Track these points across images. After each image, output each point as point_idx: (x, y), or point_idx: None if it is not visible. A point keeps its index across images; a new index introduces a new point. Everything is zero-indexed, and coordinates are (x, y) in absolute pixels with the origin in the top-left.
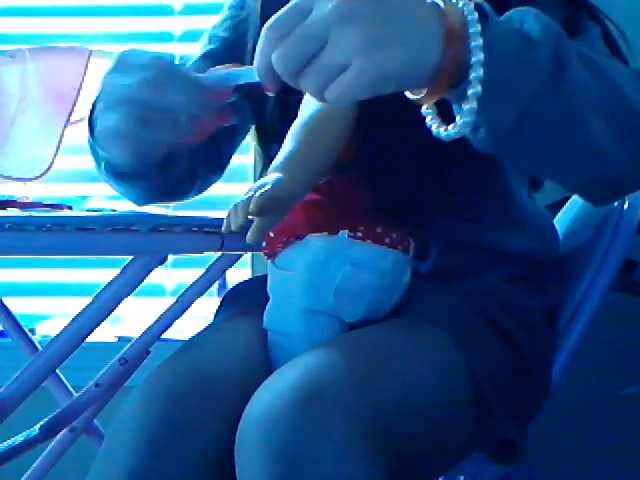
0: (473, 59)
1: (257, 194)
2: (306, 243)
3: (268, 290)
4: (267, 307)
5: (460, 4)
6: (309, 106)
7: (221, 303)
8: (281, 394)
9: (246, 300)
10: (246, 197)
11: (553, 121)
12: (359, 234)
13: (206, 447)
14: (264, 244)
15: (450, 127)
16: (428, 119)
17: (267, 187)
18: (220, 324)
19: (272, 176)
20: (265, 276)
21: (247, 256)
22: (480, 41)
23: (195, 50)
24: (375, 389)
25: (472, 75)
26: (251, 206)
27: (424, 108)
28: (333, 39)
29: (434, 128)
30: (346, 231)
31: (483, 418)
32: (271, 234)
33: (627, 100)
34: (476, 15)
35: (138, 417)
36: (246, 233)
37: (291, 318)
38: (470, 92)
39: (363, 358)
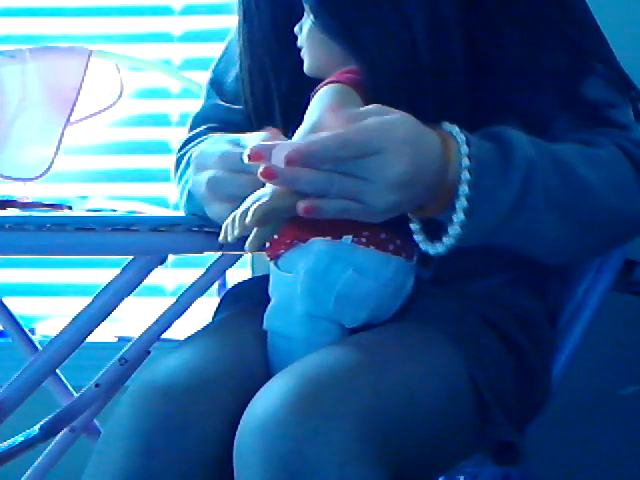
0: (457, 204)
1: (255, 206)
2: (309, 247)
3: (269, 292)
4: (268, 309)
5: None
6: (313, 114)
7: (220, 302)
8: (280, 401)
9: (246, 300)
10: (244, 208)
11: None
12: (363, 239)
13: (203, 446)
14: (267, 245)
15: (439, 243)
16: (416, 236)
17: (265, 199)
18: (219, 323)
19: (271, 187)
20: (265, 276)
21: (247, 256)
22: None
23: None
24: (376, 394)
25: (457, 205)
26: (248, 219)
27: (413, 227)
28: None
29: (422, 244)
30: (350, 236)
31: (483, 422)
32: (274, 236)
33: (598, 202)
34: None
35: (133, 416)
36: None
37: (292, 321)
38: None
39: (363, 362)
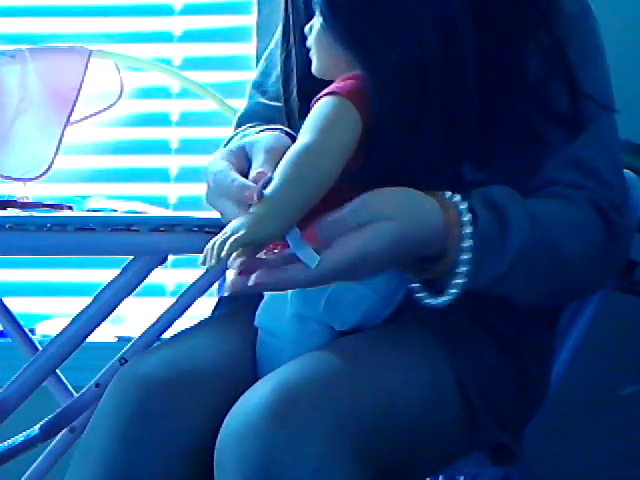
0: (458, 270)
1: (231, 240)
2: None
3: None
4: (260, 305)
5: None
6: (306, 134)
7: (218, 302)
8: (257, 409)
9: (242, 301)
10: (222, 239)
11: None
12: None
13: (181, 436)
14: None
15: (440, 298)
16: (417, 293)
17: (241, 232)
18: (210, 321)
19: (248, 216)
20: None
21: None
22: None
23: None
24: (354, 401)
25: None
26: (223, 252)
27: (413, 285)
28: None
29: (425, 300)
30: None
31: (472, 425)
32: None
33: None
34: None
35: (112, 406)
36: None
37: (281, 320)
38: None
39: (343, 370)
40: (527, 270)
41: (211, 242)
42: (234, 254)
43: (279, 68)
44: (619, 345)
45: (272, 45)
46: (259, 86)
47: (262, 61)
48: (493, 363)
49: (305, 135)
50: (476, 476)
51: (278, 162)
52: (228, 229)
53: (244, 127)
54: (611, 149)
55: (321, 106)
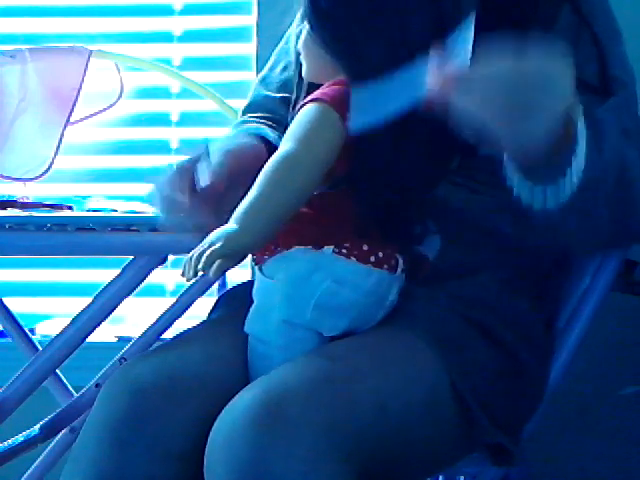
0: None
1: (208, 252)
2: (291, 255)
3: (253, 294)
4: (250, 312)
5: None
6: (286, 143)
7: (216, 303)
8: (244, 413)
9: (239, 303)
10: (200, 251)
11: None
12: (344, 250)
13: (172, 440)
14: None
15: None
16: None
17: (218, 245)
18: (206, 325)
19: (227, 228)
20: None
21: (248, 257)
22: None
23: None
24: (343, 405)
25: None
26: (200, 265)
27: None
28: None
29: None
30: (331, 247)
31: (468, 426)
32: None
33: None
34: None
35: (102, 410)
36: None
37: (270, 327)
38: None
39: (333, 374)
40: (616, 178)
41: (190, 254)
42: (214, 265)
43: (294, 57)
44: (619, 345)
45: (282, 42)
46: (264, 79)
47: (272, 58)
48: (489, 364)
49: (286, 143)
50: (476, 476)
51: (237, 160)
52: (206, 241)
53: (245, 117)
54: (634, 116)
55: (304, 113)
